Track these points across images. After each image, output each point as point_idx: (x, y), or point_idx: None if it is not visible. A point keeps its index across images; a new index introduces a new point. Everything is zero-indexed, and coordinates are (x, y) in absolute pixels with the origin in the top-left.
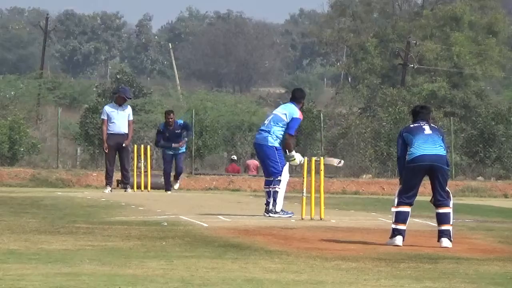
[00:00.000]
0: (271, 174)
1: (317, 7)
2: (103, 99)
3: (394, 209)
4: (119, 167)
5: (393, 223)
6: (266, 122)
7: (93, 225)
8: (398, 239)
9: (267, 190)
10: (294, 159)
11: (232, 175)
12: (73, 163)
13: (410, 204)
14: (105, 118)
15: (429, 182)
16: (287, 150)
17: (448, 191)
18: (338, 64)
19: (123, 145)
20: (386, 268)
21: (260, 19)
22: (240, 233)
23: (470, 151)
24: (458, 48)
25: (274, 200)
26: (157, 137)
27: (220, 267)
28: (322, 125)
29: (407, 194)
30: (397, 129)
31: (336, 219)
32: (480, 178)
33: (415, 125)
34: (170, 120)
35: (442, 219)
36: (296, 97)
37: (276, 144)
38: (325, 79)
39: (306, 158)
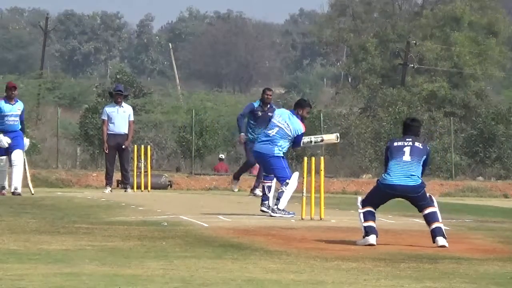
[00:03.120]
0: (280, 180)
1: (317, 7)
2: (103, 99)
3: (360, 211)
4: (119, 167)
5: (363, 222)
6: (270, 132)
7: (93, 225)
8: (372, 238)
9: (267, 185)
10: (311, 141)
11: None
12: (73, 163)
13: (374, 208)
14: (105, 118)
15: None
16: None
17: (429, 196)
18: (338, 64)
19: (123, 146)
20: (386, 268)
21: (260, 19)
22: (240, 233)
23: (470, 151)
24: (458, 48)
25: (278, 199)
26: (242, 114)
27: (220, 267)
28: (322, 125)
29: (372, 204)
30: (397, 129)
31: (336, 219)
32: (480, 178)
33: (398, 144)
34: (268, 97)
35: (430, 218)
36: (300, 105)
37: (281, 154)
38: (325, 79)
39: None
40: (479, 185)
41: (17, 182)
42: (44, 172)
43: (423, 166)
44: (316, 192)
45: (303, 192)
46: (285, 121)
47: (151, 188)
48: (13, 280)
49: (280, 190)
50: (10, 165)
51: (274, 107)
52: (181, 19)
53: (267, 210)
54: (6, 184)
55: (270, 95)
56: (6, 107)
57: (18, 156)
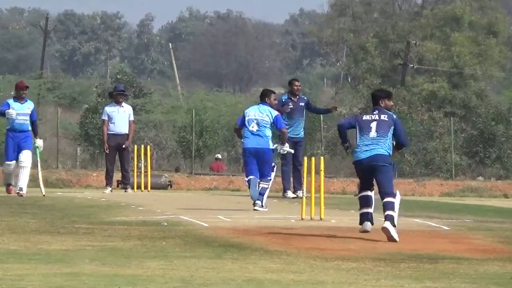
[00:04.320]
0: (264, 176)
1: (317, 7)
2: (103, 99)
3: (357, 196)
4: (119, 167)
5: (359, 209)
6: (253, 128)
7: (93, 225)
8: (367, 225)
9: (256, 183)
10: (286, 150)
11: (232, 175)
12: (73, 163)
13: (370, 190)
14: (106, 118)
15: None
16: (282, 143)
17: (394, 192)
18: (338, 64)
19: (124, 146)
20: (386, 268)
21: (260, 19)
22: (240, 233)
23: (470, 151)
24: (458, 48)
25: (262, 195)
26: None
27: (220, 267)
28: (322, 125)
29: (365, 184)
30: None
31: (336, 219)
32: (480, 178)
33: (367, 118)
34: (297, 87)
35: (386, 206)
36: (260, 97)
37: (273, 146)
38: (325, 79)
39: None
40: (479, 185)
41: (23, 183)
42: (44, 172)
43: (396, 136)
44: (316, 192)
45: (303, 192)
46: (258, 113)
47: (151, 188)
48: (13, 280)
49: (263, 186)
50: (18, 165)
51: (303, 97)
52: (181, 19)
53: (259, 208)
54: (13, 181)
55: (299, 86)
56: (16, 105)
57: (26, 157)
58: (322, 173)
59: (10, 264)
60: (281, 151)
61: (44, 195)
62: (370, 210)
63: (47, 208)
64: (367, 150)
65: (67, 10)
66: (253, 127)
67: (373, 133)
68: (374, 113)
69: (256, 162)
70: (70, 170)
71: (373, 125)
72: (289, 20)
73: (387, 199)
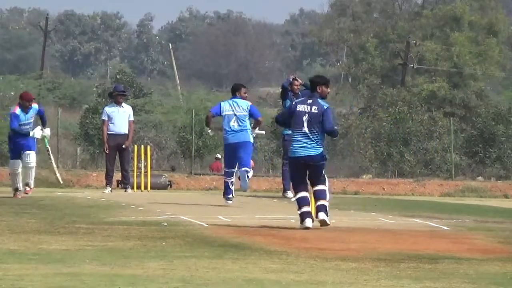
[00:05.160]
0: (246, 165)
1: (317, 7)
2: (103, 99)
3: (294, 199)
4: (119, 167)
5: (298, 209)
6: (233, 124)
7: (93, 225)
8: (308, 221)
9: (231, 180)
10: (256, 133)
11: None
12: (73, 163)
13: (305, 190)
14: (106, 119)
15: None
16: (253, 128)
17: (323, 176)
18: (338, 64)
19: (124, 146)
20: (386, 268)
21: (260, 19)
22: (240, 233)
23: (470, 151)
24: (458, 48)
25: (246, 179)
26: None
27: (220, 267)
28: None
29: (297, 186)
30: (397, 129)
31: (336, 219)
32: (480, 178)
33: (300, 109)
34: (297, 87)
35: (318, 195)
36: (232, 91)
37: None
38: None
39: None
40: (479, 185)
41: (30, 178)
42: (44, 172)
43: (322, 124)
44: None
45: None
46: (236, 108)
47: (151, 188)
48: (13, 280)
49: (245, 171)
50: (23, 166)
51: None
52: (181, 19)
53: (230, 202)
54: (20, 185)
55: (298, 85)
56: (22, 117)
57: (31, 157)
58: None
59: (10, 264)
60: (253, 134)
61: (61, 183)
62: (309, 208)
63: (47, 208)
64: (302, 147)
65: (67, 10)
66: (234, 123)
67: (305, 128)
68: (308, 102)
69: (236, 155)
70: (70, 170)
71: (305, 119)
72: (289, 20)
73: (318, 187)
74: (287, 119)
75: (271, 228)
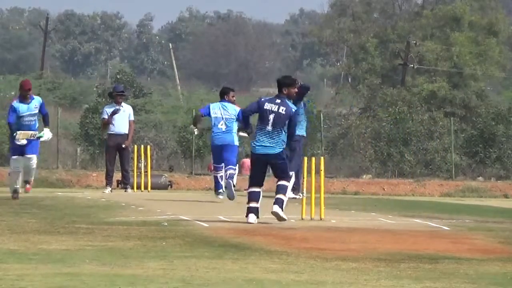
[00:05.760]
0: (229, 164)
1: (317, 7)
2: (103, 99)
3: (246, 191)
4: (119, 167)
5: (247, 203)
6: (221, 126)
7: (93, 225)
8: (251, 217)
9: (220, 175)
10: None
11: None
12: (73, 163)
13: (259, 185)
14: (106, 117)
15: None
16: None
17: (289, 175)
18: (338, 64)
19: (123, 145)
20: (386, 268)
21: (260, 19)
22: (240, 233)
23: (470, 151)
24: (458, 48)
25: (232, 178)
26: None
27: (220, 267)
28: (322, 125)
29: (252, 180)
30: (397, 129)
31: (336, 219)
32: (480, 178)
33: (267, 107)
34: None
35: (278, 188)
36: (221, 95)
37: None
38: (325, 79)
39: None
40: (479, 185)
41: (30, 176)
42: (44, 172)
43: (287, 127)
44: (316, 192)
45: (303, 192)
46: (225, 112)
47: (151, 188)
48: (13, 280)
49: (231, 173)
50: (25, 165)
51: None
52: (181, 19)
53: (222, 196)
54: (19, 187)
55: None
56: (22, 108)
57: (33, 161)
58: (322, 173)
59: (10, 264)
60: (238, 135)
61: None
62: (257, 204)
63: (47, 208)
64: (264, 146)
65: (67, 10)
66: (222, 126)
67: (269, 127)
68: (276, 102)
69: (223, 155)
70: (70, 170)
71: (271, 117)
72: (289, 20)
73: (281, 182)
74: (250, 113)
75: (271, 228)
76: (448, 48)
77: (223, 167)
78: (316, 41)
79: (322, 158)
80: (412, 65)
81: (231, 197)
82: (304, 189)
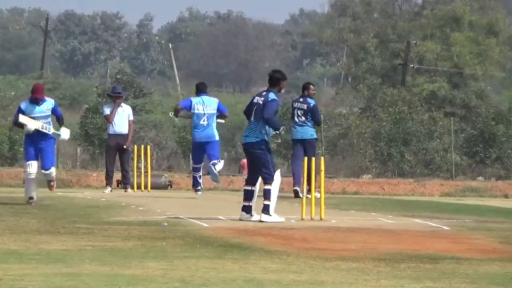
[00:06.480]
0: (215, 157)
1: (317, 7)
2: (103, 99)
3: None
4: (119, 168)
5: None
6: (203, 122)
7: (93, 225)
8: (243, 215)
9: (199, 175)
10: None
11: (232, 175)
12: (73, 163)
13: (253, 184)
14: (108, 112)
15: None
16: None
17: (272, 178)
18: (338, 64)
19: (124, 147)
20: (386, 268)
21: (260, 19)
22: (240, 233)
23: (470, 151)
24: (458, 48)
25: (215, 167)
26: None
27: (220, 267)
28: (322, 125)
29: (249, 177)
30: (397, 129)
31: (336, 219)
32: (480, 178)
33: (254, 101)
34: (313, 91)
35: (263, 194)
36: (201, 89)
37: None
38: (325, 79)
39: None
40: (479, 185)
41: (50, 178)
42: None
43: (262, 113)
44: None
45: (303, 192)
46: (207, 108)
47: (151, 188)
48: (13, 280)
49: (212, 164)
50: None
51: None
52: (181, 19)
53: (200, 193)
54: (34, 194)
55: (314, 90)
56: (29, 108)
57: (53, 175)
58: (322, 173)
59: (10, 264)
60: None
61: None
62: (251, 203)
63: (47, 208)
64: (245, 135)
65: (67, 10)
66: (204, 122)
67: (252, 117)
68: (262, 94)
69: (205, 152)
70: (70, 170)
71: (253, 109)
72: (289, 20)
73: (264, 187)
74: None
75: (271, 228)
76: (448, 48)
77: (201, 167)
78: (316, 41)
79: (322, 158)
80: (412, 65)
81: (215, 180)
82: (304, 189)
